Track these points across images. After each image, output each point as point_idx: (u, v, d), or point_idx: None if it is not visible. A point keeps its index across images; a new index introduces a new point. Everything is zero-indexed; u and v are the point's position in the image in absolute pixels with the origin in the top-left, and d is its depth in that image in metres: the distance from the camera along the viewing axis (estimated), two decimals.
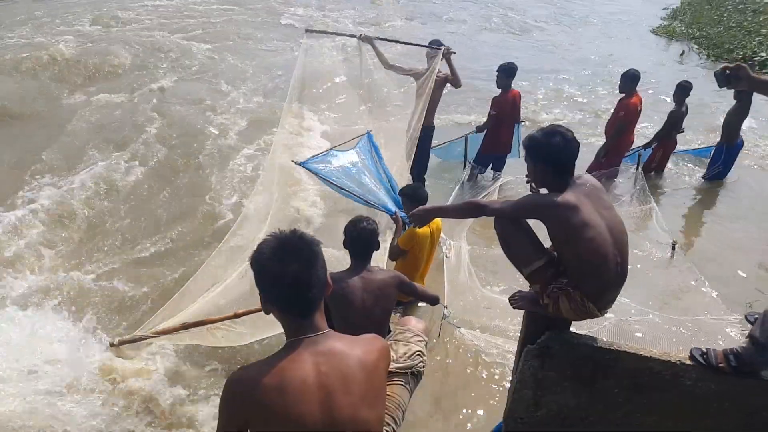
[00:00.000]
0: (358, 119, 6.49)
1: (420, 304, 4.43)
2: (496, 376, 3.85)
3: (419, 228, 3.57)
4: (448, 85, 6.13)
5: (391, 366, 2.04)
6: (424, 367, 2.19)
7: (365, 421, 1.57)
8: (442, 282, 4.56)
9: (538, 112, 9.80)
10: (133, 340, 3.05)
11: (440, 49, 5.77)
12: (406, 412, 2.10)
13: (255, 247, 1.60)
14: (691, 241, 5.97)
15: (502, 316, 4.20)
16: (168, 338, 3.21)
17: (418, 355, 2.17)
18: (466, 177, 6.85)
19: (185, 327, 3.04)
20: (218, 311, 3.28)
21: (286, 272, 1.53)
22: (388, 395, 1.97)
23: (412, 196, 4.05)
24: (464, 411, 3.63)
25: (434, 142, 6.60)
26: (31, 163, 6.60)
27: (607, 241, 2.35)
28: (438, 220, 4.21)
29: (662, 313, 4.13)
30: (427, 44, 5.97)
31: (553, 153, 2.41)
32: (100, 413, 3.24)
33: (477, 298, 4.48)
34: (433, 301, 3.17)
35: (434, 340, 4.19)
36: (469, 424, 3.54)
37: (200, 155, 7.29)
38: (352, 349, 1.61)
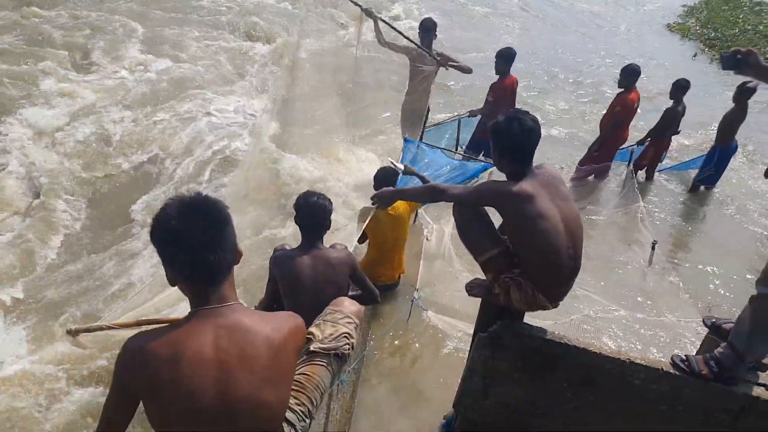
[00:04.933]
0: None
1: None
2: (457, 361, 3.84)
3: (382, 210, 3.51)
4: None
5: (314, 346, 1.99)
6: (350, 350, 2.11)
7: (265, 402, 1.48)
8: (418, 265, 4.54)
9: (537, 98, 9.67)
10: (89, 330, 2.94)
11: (435, 65, 5.67)
12: (332, 393, 2.07)
13: (157, 211, 1.48)
14: (673, 243, 5.92)
15: (475, 301, 4.17)
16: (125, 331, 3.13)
17: (345, 337, 2.09)
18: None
19: (139, 323, 2.94)
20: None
21: (192, 232, 1.43)
22: (308, 375, 1.92)
23: (382, 180, 3.98)
24: (424, 394, 3.63)
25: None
26: None
27: (560, 234, 2.31)
28: (402, 206, 4.15)
29: (632, 312, 4.11)
30: (425, 49, 5.61)
31: (510, 139, 2.34)
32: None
33: (452, 282, 4.46)
34: (370, 299, 3.06)
35: (407, 321, 4.18)
36: (427, 408, 3.53)
37: None
38: (259, 325, 1.50)
